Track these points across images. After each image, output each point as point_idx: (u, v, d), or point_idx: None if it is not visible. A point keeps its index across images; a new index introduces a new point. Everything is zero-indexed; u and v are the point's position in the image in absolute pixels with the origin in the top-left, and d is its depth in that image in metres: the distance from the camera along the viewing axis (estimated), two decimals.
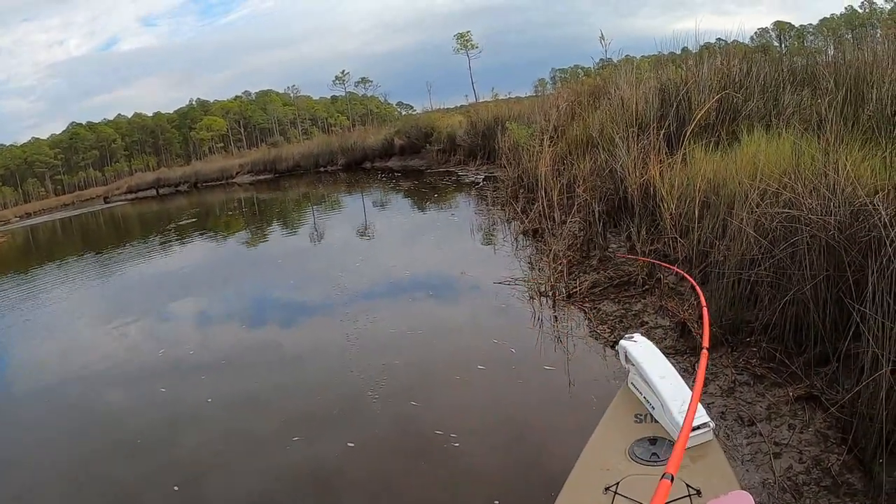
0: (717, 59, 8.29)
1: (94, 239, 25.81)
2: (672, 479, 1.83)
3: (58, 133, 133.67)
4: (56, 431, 5.38)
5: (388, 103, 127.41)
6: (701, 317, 3.80)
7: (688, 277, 4.44)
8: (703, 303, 3.59)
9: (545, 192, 8.55)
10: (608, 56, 13.21)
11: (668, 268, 5.41)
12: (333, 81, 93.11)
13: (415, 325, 6.51)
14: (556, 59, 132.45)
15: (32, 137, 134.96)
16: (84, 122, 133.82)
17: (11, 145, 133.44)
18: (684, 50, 11.70)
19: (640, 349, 3.05)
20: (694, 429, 2.58)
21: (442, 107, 40.25)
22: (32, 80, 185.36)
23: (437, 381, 5.18)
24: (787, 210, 3.98)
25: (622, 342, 3.17)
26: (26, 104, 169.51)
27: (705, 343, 2.97)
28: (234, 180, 45.66)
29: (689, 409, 2.26)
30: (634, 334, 3.19)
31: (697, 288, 3.91)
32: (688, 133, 6.80)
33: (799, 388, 3.54)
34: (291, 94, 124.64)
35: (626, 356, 3.09)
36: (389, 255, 10.40)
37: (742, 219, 4.38)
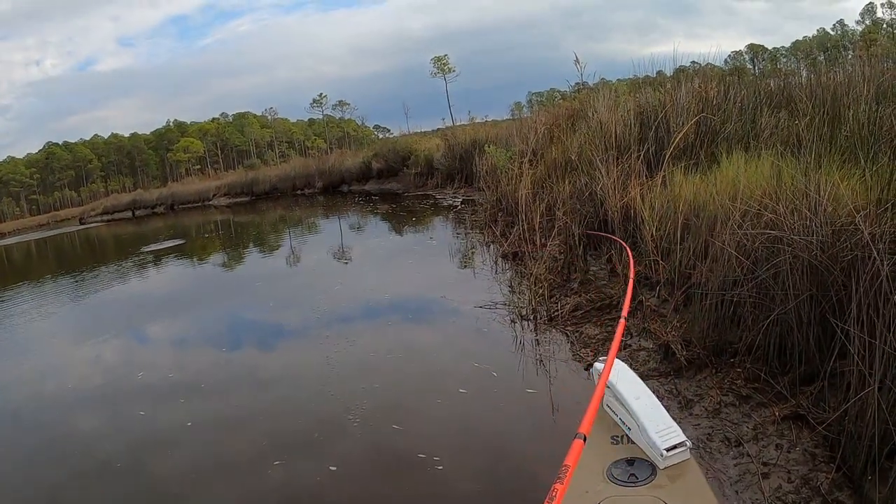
0: (695, 81, 8.37)
1: (69, 260, 25.38)
2: (584, 440, 1.96)
3: (34, 152, 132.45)
4: (26, 454, 5.20)
5: (366, 126, 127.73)
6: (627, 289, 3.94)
7: (621, 242, 4.34)
8: (632, 273, 3.59)
9: (525, 216, 8.54)
10: (584, 79, 13.34)
11: (606, 236, 5.39)
12: (311, 104, 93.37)
13: (394, 348, 6.44)
14: (531, 82, 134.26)
15: (8, 156, 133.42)
16: (60, 142, 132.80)
17: None
18: (660, 73, 11.86)
19: (616, 371, 3.03)
20: (670, 448, 2.64)
21: (419, 130, 40.48)
22: (9, 99, 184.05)
23: (418, 405, 5.10)
24: (768, 231, 3.99)
25: (596, 364, 3.16)
26: (2, 122, 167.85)
27: (624, 312, 3.24)
28: (210, 202, 45.39)
29: (605, 367, 2.33)
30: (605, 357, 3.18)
31: (630, 256, 3.90)
32: (667, 156, 6.85)
33: (785, 407, 3.52)
34: (269, 117, 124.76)
35: (598, 376, 3.07)
36: (368, 279, 10.32)
37: (724, 240, 4.39)
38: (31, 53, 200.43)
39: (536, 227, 8.28)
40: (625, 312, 3.00)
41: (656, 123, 7.96)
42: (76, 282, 16.91)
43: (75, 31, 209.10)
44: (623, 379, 3.00)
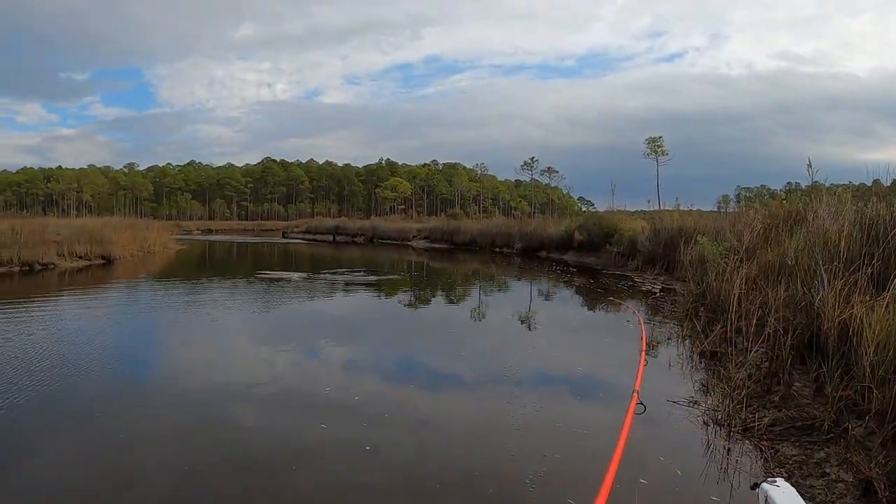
0: None
1: (265, 267, 28.18)
2: None
3: (252, 164, 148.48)
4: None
5: (570, 196, 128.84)
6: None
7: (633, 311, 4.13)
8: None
9: (732, 316, 8.34)
10: (814, 180, 12.77)
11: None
12: (521, 166, 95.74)
13: (579, 423, 6.59)
14: (739, 176, 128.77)
15: (228, 163, 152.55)
16: (278, 159, 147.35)
17: (207, 165, 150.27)
18: (875, 182, 11.17)
19: (783, 496, 2.92)
20: None
21: (624, 208, 40.18)
22: (238, 113, 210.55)
23: (596, 484, 5.17)
24: None
25: (764, 485, 3.05)
26: (230, 133, 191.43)
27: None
28: (409, 243, 47.80)
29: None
30: (777, 479, 3.06)
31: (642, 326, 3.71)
32: None
33: None
34: (478, 171, 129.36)
35: (765, 500, 2.98)
36: (562, 348, 10.60)
37: None
38: (263, 76, 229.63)
39: (744, 331, 8.05)
40: (637, 386, 2.92)
41: (886, 239, 7.51)
42: (269, 288, 18.79)
43: (306, 64, 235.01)
44: None
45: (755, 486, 2.97)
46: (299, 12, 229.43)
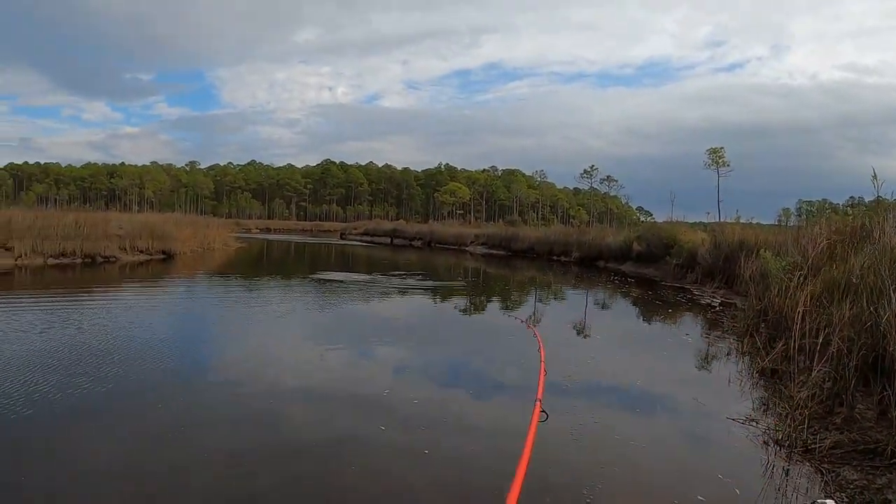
0: None
1: (322, 267, 28.82)
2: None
3: (312, 165, 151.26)
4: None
5: (629, 206, 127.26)
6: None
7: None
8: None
9: (795, 333, 8.22)
10: (879, 194, 12.44)
11: None
12: (581, 174, 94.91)
13: (638, 437, 6.58)
14: (801, 190, 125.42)
15: (288, 163, 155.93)
16: (337, 161, 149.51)
17: (268, 166, 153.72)
18: None
19: None
20: None
21: (683, 219, 39.49)
22: (298, 115, 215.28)
23: (653, 499, 5.25)
24: None
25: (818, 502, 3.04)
26: (290, 134, 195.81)
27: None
28: (466, 248, 47.80)
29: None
30: (828, 500, 3.06)
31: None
32: None
33: None
34: (537, 178, 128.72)
35: None
36: (619, 361, 10.55)
37: None
38: (324, 80, 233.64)
39: (808, 349, 7.93)
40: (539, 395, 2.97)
41: None
42: (325, 289, 19.31)
43: (366, 69, 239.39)
44: None
45: None
46: (359, 19, 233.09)
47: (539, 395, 3.25)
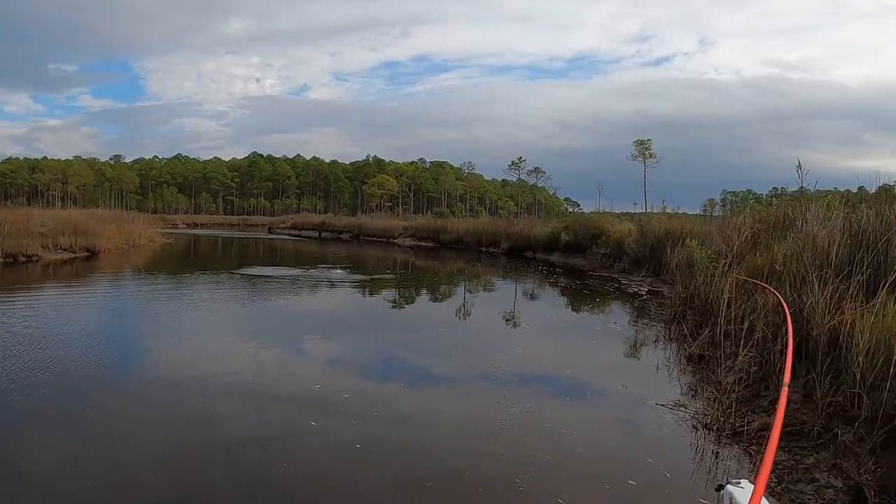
0: None
1: (250, 262, 28.31)
2: None
3: (239, 158, 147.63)
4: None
5: (557, 197, 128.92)
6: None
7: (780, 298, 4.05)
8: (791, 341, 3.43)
9: (720, 320, 8.34)
10: (804, 186, 12.83)
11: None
12: (509, 166, 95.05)
13: (570, 425, 6.56)
14: (726, 181, 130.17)
15: (214, 157, 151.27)
16: (265, 154, 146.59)
17: (194, 159, 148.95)
18: (861, 189, 11.27)
19: (747, 496, 2.87)
20: None
21: (610, 209, 40.22)
22: (225, 107, 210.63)
23: (584, 484, 5.22)
24: None
25: (728, 486, 3.01)
26: (216, 127, 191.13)
27: (786, 378, 2.96)
28: (395, 240, 47.66)
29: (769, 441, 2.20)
30: (742, 480, 3.03)
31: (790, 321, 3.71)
32: (886, 284, 6.46)
33: None
34: (465, 171, 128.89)
35: (730, 501, 2.94)
36: (550, 350, 10.57)
37: None
38: (252, 71, 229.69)
39: (732, 335, 8.06)
40: (787, 379, 2.87)
41: (876, 247, 7.52)
42: (253, 284, 18.82)
43: (295, 60, 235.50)
44: None
45: (720, 487, 2.93)
46: (291, 9, 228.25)
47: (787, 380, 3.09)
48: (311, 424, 6.33)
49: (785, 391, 2.76)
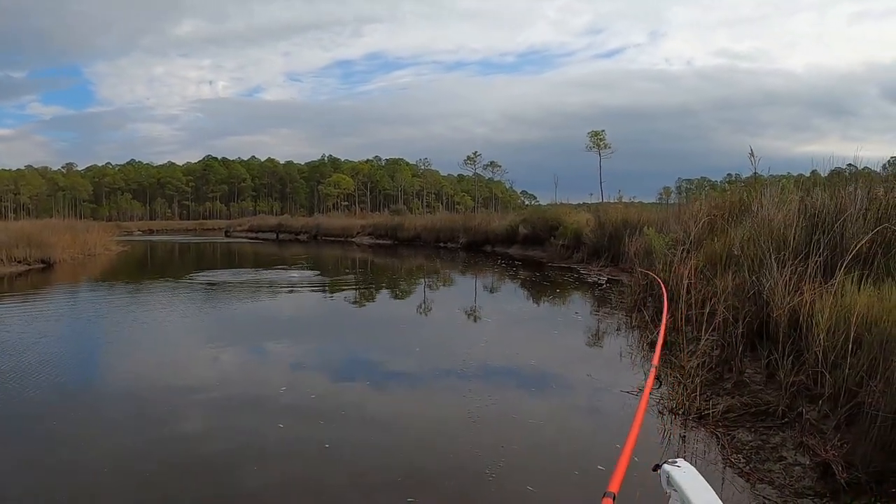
0: (880, 189, 8.01)
1: (208, 267, 27.76)
2: (614, 499, 1.86)
3: (193, 162, 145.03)
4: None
5: (513, 190, 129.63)
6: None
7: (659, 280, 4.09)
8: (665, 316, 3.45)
9: (681, 306, 8.41)
10: (758, 172, 13.04)
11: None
12: (465, 161, 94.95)
13: (537, 415, 6.57)
14: (680, 169, 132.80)
15: (168, 161, 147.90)
16: (219, 157, 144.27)
17: (148, 164, 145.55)
18: (813, 173, 11.50)
19: (684, 475, 2.89)
20: None
21: (566, 201, 40.42)
22: (178, 111, 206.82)
23: (554, 471, 5.21)
24: None
25: (665, 466, 3.02)
26: (169, 131, 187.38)
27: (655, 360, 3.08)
28: (353, 239, 47.40)
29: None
30: (678, 459, 3.04)
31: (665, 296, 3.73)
32: (844, 263, 6.57)
33: None
34: (421, 167, 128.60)
35: (667, 481, 2.94)
36: (514, 343, 10.53)
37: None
38: (205, 73, 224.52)
39: (694, 319, 8.13)
40: (655, 361, 2.94)
41: (831, 228, 7.65)
42: (212, 289, 18.43)
43: (249, 61, 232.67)
44: (692, 485, 2.83)
45: (657, 467, 2.93)
46: (242, 9, 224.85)
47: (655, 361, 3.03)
48: (278, 426, 6.20)
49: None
